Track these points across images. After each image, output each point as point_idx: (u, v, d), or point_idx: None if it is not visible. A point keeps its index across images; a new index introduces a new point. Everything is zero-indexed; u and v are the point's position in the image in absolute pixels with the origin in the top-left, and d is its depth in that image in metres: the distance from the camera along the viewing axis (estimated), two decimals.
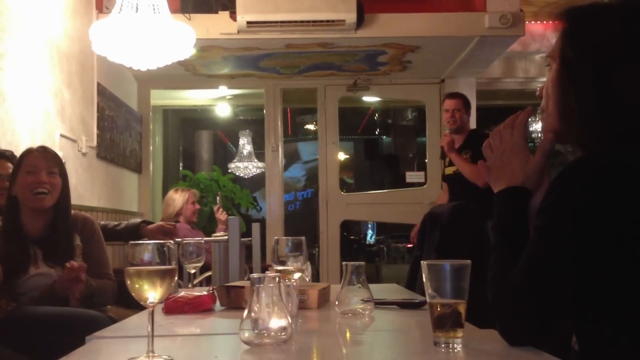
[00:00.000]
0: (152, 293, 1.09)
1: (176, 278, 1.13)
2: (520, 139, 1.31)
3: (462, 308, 1.16)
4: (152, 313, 1.10)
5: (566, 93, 1.21)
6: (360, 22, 4.59)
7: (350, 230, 9.29)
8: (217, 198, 5.46)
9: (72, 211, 2.71)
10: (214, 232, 5.05)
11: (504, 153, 1.31)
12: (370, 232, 10.05)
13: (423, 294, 1.55)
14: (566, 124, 1.23)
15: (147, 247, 1.12)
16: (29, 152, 2.55)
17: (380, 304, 1.76)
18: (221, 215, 5.16)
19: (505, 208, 1.29)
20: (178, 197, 5.10)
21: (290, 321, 1.21)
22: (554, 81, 1.25)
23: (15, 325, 2.17)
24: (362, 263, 1.70)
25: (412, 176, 6.52)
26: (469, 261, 1.17)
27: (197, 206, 5.28)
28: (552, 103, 1.25)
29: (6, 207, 2.53)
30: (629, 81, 1.16)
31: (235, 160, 8.37)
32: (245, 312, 1.20)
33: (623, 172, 1.11)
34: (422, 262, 1.20)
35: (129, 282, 1.09)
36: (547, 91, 1.27)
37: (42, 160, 2.51)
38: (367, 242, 10.05)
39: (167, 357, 1.10)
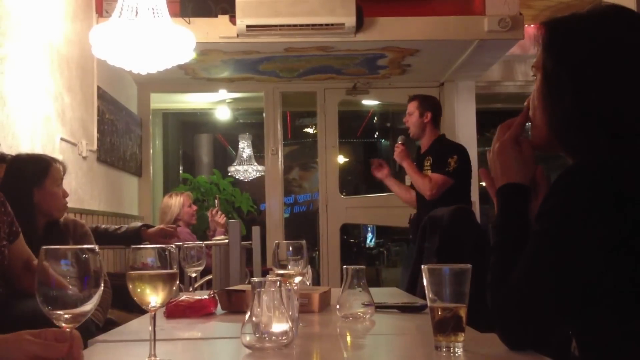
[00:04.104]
0: (154, 297, 1.09)
1: (178, 282, 1.13)
2: (511, 136, 1.32)
3: (462, 312, 1.16)
4: (154, 317, 1.10)
5: (550, 102, 1.24)
6: (359, 25, 4.60)
7: (350, 233, 9.28)
8: (216, 201, 5.46)
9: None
10: (214, 235, 5.05)
11: (494, 151, 1.33)
12: (370, 235, 10.04)
13: (423, 297, 1.56)
14: (553, 132, 1.24)
15: (149, 251, 1.12)
16: (54, 162, 2.63)
17: (380, 307, 1.76)
18: (220, 218, 5.16)
19: (503, 207, 1.30)
20: (174, 203, 5.09)
21: (291, 325, 1.21)
22: (539, 91, 1.27)
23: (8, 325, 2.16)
24: (363, 267, 1.71)
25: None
26: (469, 265, 1.18)
27: (194, 207, 5.27)
28: (539, 112, 1.27)
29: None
30: (607, 88, 1.18)
31: (235, 164, 8.37)
32: (247, 316, 1.20)
33: (619, 176, 1.12)
34: (422, 266, 1.20)
35: (130, 286, 1.09)
36: (534, 101, 1.29)
37: (62, 173, 2.65)
38: (367, 246, 10.03)
39: None
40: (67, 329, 0.94)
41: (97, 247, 0.96)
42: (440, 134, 4.11)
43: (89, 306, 0.92)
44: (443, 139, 4.08)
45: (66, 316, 0.92)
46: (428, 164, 3.97)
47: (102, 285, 0.95)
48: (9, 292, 2.14)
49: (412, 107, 4.05)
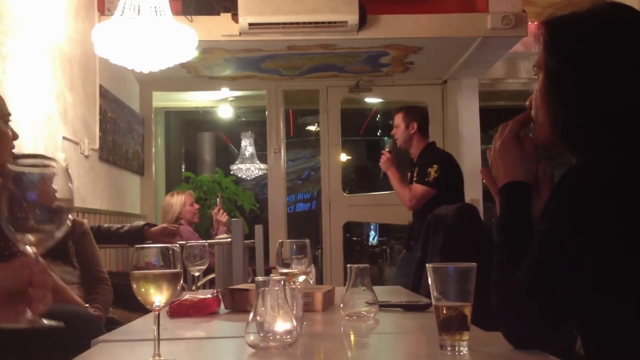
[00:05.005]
0: (158, 297, 1.08)
1: (182, 281, 1.13)
2: (510, 134, 1.32)
3: (467, 311, 1.16)
4: (158, 316, 1.09)
5: (553, 101, 1.23)
6: (362, 23, 4.59)
7: (353, 231, 9.27)
8: (218, 200, 5.46)
9: None
10: (215, 233, 5.05)
11: (496, 149, 1.33)
12: (372, 233, 10.03)
13: (427, 296, 1.55)
14: (556, 131, 1.24)
15: (153, 250, 1.12)
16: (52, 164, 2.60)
17: (385, 306, 1.75)
18: (222, 216, 5.16)
19: (506, 205, 1.30)
20: (175, 201, 5.10)
21: (295, 324, 1.21)
22: (541, 90, 1.26)
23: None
24: (367, 265, 1.70)
25: None
26: (474, 264, 1.17)
27: (197, 206, 5.27)
28: (542, 112, 1.27)
29: None
30: (609, 86, 1.18)
31: (237, 162, 8.36)
32: (251, 315, 1.20)
33: (625, 175, 1.11)
34: (427, 264, 1.19)
35: (134, 286, 1.09)
36: (536, 101, 1.29)
37: None
38: (370, 244, 10.03)
39: None
40: (33, 255, 0.92)
41: (67, 166, 0.93)
42: (429, 142, 4.12)
43: (55, 229, 0.92)
44: (428, 148, 4.09)
45: (31, 238, 0.91)
46: (415, 174, 3.99)
47: (70, 209, 0.94)
48: None
49: (398, 119, 4.09)
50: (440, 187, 3.83)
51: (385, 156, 4.05)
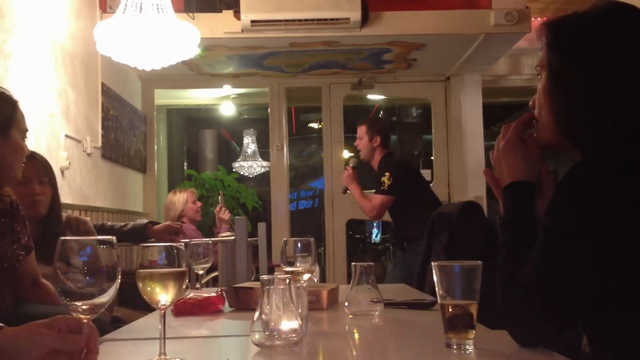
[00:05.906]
0: (163, 296, 1.08)
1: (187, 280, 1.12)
2: (514, 134, 1.32)
3: (473, 309, 1.16)
4: (164, 315, 1.09)
5: (556, 98, 1.24)
6: (365, 20, 4.58)
7: (356, 229, 9.26)
8: (220, 197, 5.45)
9: (66, 213, 2.72)
10: (218, 231, 5.05)
11: (500, 149, 1.33)
12: (375, 230, 10.02)
13: (432, 293, 1.55)
14: (561, 129, 1.24)
15: (158, 249, 1.11)
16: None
17: (389, 304, 1.75)
18: (224, 214, 5.15)
19: (510, 204, 1.30)
20: (177, 199, 5.09)
21: (301, 323, 1.20)
22: (544, 89, 1.27)
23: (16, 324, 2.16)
24: (371, 264, 1.70)
25: None
26: (479, 262, 1.17)
27: (199, 204, 5.26)
28: (545, 111, 1.27)
29: None
30: (613, 83, 1.18)
31: (239, 160, 8.36)
32: (256, 314, 1.19)
33: (627, 171, 1.11)
34: (432, 263, 1.19)
35: (140, 284, 1.08)
36: (539, 100, 1.29)
37: (33, 170, 2.47)
38: (373, 241, 10.01)
39: (178, 359, 1.10)
40: (85, 320, 0.96)
41: (114, 239, 0.97)
42: (385, 153, 4.16)
43: (105, 298, 0.95)
44: (384, 159, 4.14)
45: (84, 307, 0.95)
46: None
47: (119, 278, 0.97)
48: (17, 304, 2.15)
49: (362, 131, 4.16)
50: (397, 191, 3.94)
51: (347, 172, 4.13)
